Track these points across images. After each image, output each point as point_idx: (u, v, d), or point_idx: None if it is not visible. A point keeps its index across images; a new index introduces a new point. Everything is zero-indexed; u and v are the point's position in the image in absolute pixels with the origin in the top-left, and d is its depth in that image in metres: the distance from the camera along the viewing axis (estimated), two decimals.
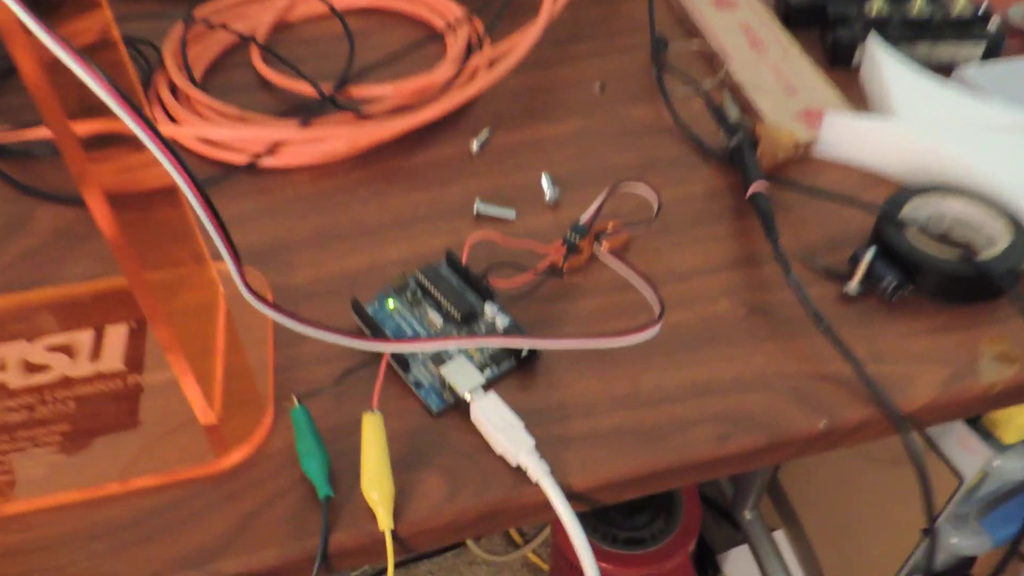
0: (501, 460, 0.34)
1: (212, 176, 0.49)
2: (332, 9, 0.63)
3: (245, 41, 0.61)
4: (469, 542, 1.06)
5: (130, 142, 0.26)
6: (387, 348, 0.35)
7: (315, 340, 0.33)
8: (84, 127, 0.27)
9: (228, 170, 0.49)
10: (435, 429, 0.35)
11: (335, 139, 0.50)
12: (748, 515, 1.00)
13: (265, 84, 0.57)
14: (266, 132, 0.49)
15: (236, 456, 0.34)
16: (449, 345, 0.36)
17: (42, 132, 0.49)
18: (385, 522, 0.31)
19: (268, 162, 0.49)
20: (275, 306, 0.31)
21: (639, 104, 0.53)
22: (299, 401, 0.35)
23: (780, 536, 0.97)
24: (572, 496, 0.33)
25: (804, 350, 0.38)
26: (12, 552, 0.31)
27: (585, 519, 0.81)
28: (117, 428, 0.35)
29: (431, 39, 0.60)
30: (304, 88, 0.54)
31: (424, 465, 0.34)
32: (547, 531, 1.06)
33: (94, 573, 0.31)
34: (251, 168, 0.49)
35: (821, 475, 0.88)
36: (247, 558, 0.31)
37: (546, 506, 0.33)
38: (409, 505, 0.32)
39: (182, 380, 0.33)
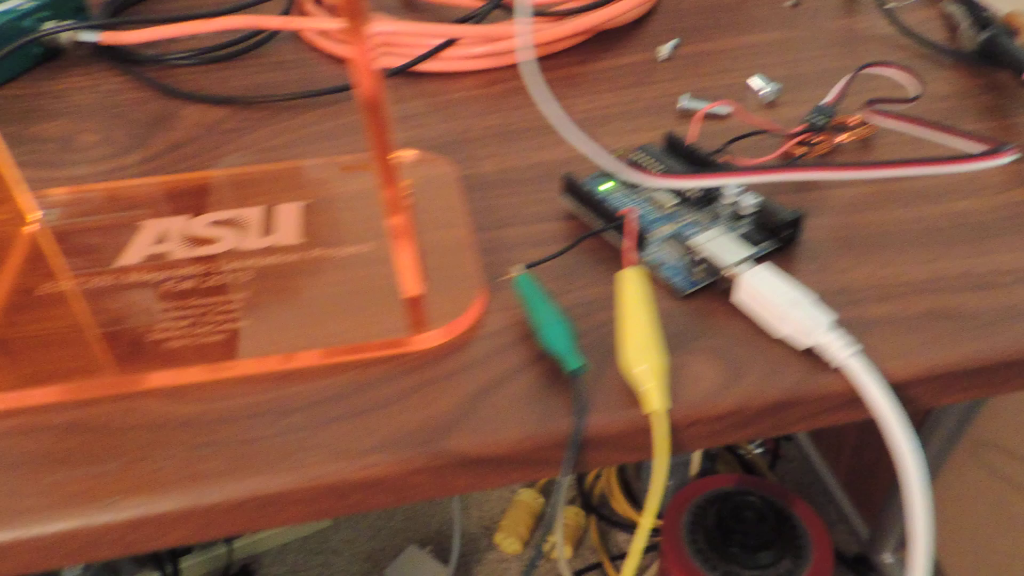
0: (781, 345, 0.27)
1: (342, 85, 0.43)
2: None
3: None
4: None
5: None
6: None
7: (520, 222, 0.27)
8: None
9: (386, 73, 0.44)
10: (686, 312, 0.28)
11: (510, 39, 0.44)
12: (888, 558, 0.89)
13: (410, 4, 0.52)
14: (441, 29, 0.44)
15: (447, 333, 0.28)
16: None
17: (183, 29, 0.44)
18: (657, 401, 0.24)
19: (432, 66, 0.44)
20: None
21: (842, 16, 0.47)
22: (525, 268, 0.29)
23: None
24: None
25: None
26: (192, 422, 0.25)
27: (703, 555, 0.72)
28: (303, 300, 0.29)
29: None
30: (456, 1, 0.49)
31: (684, 350, 0.27)
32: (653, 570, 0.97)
33: (294, 447, 0.24)
34: (412, 73, 0.44)
35: (973, 513, 0.78)
36: (481, 438, 0.24)
37: (852, 399, 0.25)
38: (675, 391, 0.26)
39: (401, 249, 0.27)
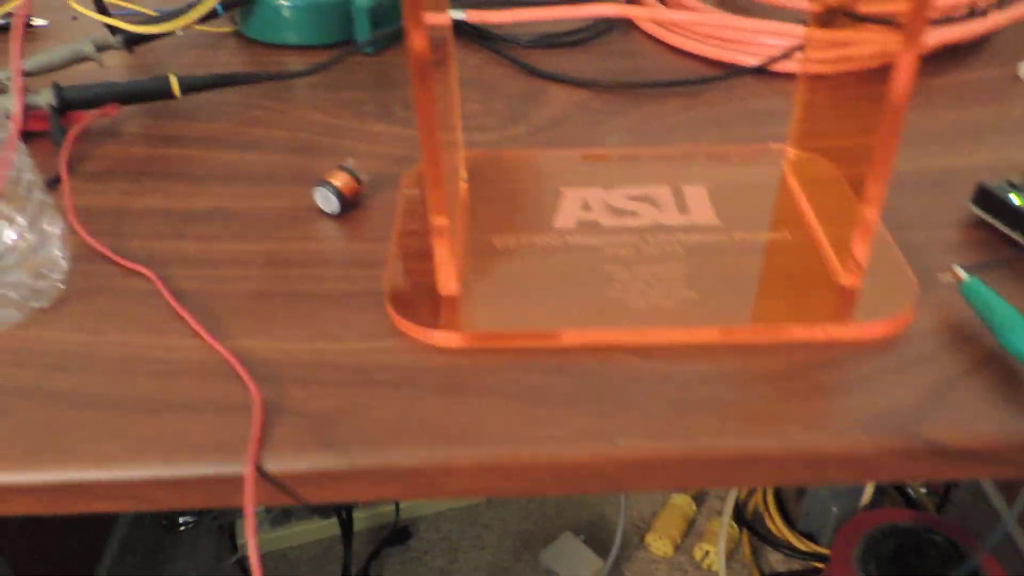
0: None
1: (705, 76, 0.45)
2: None
3: None
4: None
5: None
6: None
7: (925, 225, 0.29)
8: None
9: (731, 70, 0.45)
10: None
11: (863, 44, 0.45)
12: None
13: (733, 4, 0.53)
14: (793, 30, 0.45)
15: (890, 327, 0.29)
16: None
17: (549, 13, 0.47)
18: None
19: (780, 66, 0.45)
20: None
21: None
22: (967, 272, 0.29)
23: None
24: None
25: None
26: (669, 380, 0.27)
27: None
28: (738, 278, 0.31)
29: None
30: (791, 3, 0.50)
31: None
32: None
33: (769, 414, 0.26)
34: (758, 71, 0.45)
35: None
36: (954, 430, 0.25)
37: None
38: None
39: (859, 241, 0.28)
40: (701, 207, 0.34)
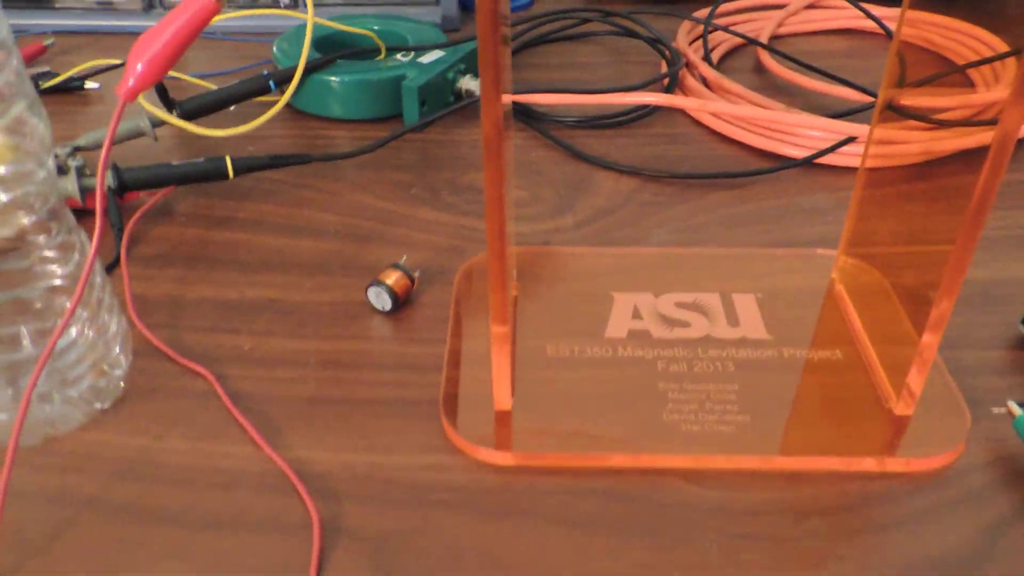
0: None
1: (751, 169, 0.46)
2: (873, 18, 0.60)
3: (749, 44, 0.59)
4: None
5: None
6: None
7: (973, 344, 0.30)
8: None
9: (781, 161, 0.46)
10: None
11: (908, 143, 0.45)
12: None
13: (774, 85, 0.54)
14: (839, 126, 0.45)
15: (943, 459, 0.29)
16: None
17: (598, 99, 0.48)
18: None
19: (827, 159, 0.46)
20: None
21: None
22: (1021, 407, 0.29)
23: None
24: None
25: None
26: (722, 510, 0.27)
27: None
28: (789, 400, 0.31)
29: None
30: (834, 91, 0.50)
31: None
32: None
33: (824, 555, 0.26)
34: (805, 163, 0.46)
35: None
36: None
37: None
38: None
39: (916, 372, 0.29)
40: (751, 318, 0.34)
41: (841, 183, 0.45)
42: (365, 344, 0.34)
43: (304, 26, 0.53)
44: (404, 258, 0.36)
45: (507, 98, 0.29)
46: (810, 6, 0.63)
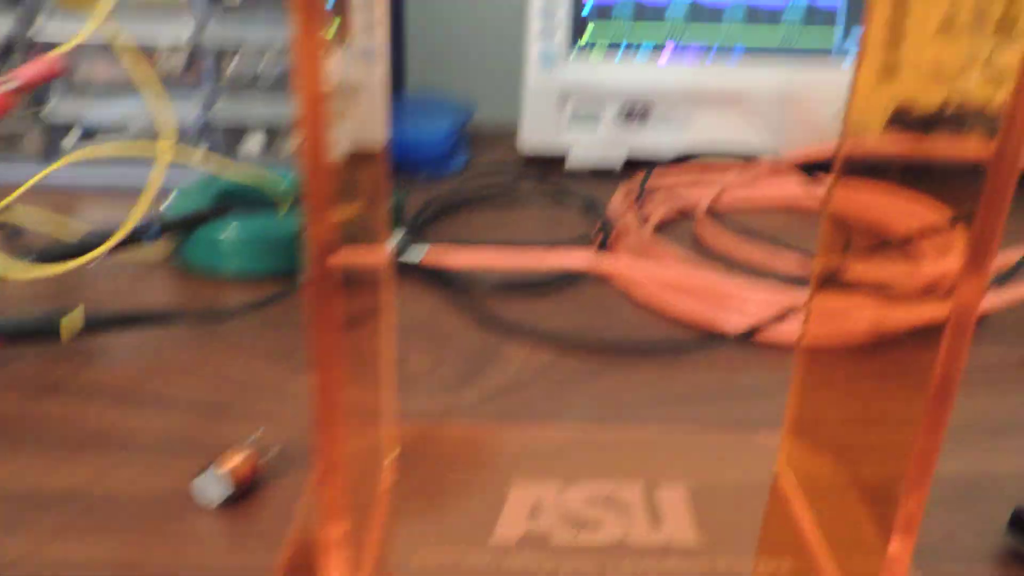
0: None
1: (683, 341, 0.40)
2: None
3: (685, 215, 0.56)
4: None
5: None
6: None
7: (954, 555, 0.23)
8: None
9: (709, 338, 0.41)
10: None
11: (855, 316, 0.40)
12: None
13: (712, 256, 0.50)
14: (781, 295, 0.40)
15: None
16: None
17: (522, 259, 0.43)
18: None
19: (770, 333, 0.41)
20: None
21: None
22: None
23: None
24: None
25: None
26: None
27: None
28: None
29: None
30: (776, 262, 0.46)
31: None
32: None
33: None
34: (739, 338, 0.41)
35: None
36: None
37: None
38: None
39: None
40: (678, 518, 0.28)
41: (785, 360, 0.39)
42: (182, 548, 0.26)
43: (209, 179, 0.49)
44: (260, 431, 0.30)
45: (380, 255, 0.24)
46: (752, 177, 0.61)
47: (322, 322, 0.19)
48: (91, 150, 0.43)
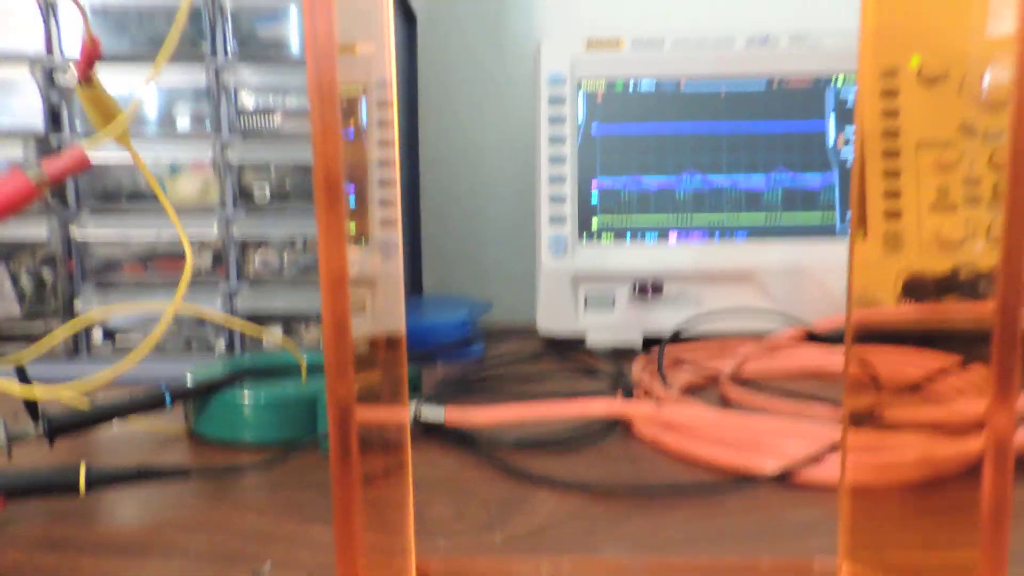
0: None
1: (719, 484, 0.38)
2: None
3: (709, 381, 0.55)
4: None
5: None
6: None
7: None
8: None
9: (744, 480, 0.39)
10: None
11: (905, 449, 0.38)
12: None
13: (737, 409, 0.48)
14: (811, 438, 0.39)
15: None
16: None
17: (540, 412, 0.42)
18: None
19: (808, 474, 0.39)
20: None
21: None
22: None
23: None
24: None
25: None
26: None
27: None
28: None
29: None
30: (806, 411, 0.45)
31: None
32: None
33: None
34: (777, 479, 0.39)
35: None
36: None
37: None
38: None
39: None
40: None
41: (824, 498, 0.37)
42: None
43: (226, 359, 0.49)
44: (268, 565, 0.27)
45: (401, 415, 0.24)
46: (772, 348, 0.60)
47: (344, 476, 0.19)
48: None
